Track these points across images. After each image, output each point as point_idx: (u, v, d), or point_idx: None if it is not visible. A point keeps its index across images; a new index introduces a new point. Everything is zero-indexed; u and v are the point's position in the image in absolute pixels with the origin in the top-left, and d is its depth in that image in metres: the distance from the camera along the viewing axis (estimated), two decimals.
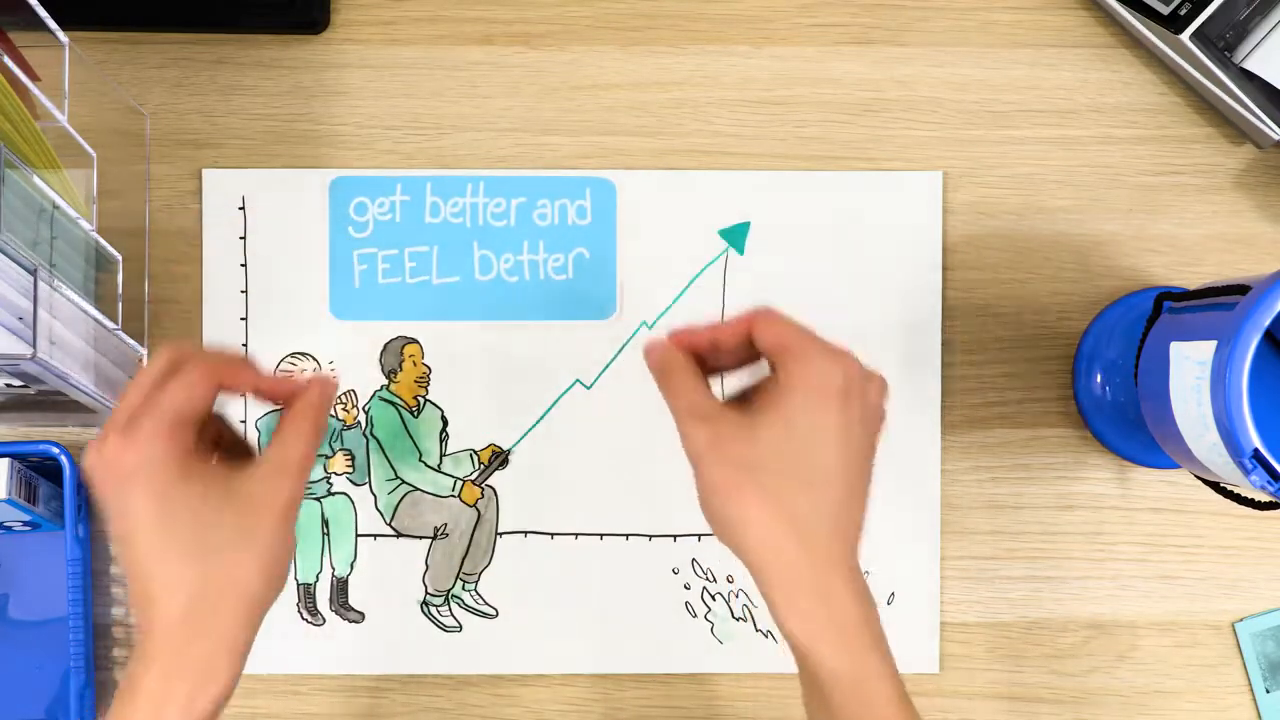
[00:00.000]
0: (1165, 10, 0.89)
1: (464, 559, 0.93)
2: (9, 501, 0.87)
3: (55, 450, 0.89)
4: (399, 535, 0.93)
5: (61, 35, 0.79)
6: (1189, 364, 0.77)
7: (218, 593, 0.69)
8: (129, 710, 0.68)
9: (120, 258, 0.88)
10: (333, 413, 0.93)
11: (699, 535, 0.93)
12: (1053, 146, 0.94)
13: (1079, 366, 0.93)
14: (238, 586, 0.69)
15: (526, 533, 0.93)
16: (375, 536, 0.93)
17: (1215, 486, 0.86)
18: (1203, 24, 0.88)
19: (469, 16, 0.94)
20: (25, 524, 0.91)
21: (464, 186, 0.94)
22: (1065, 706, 0.93)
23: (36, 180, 0.76)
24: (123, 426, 0.70)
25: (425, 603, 0.93)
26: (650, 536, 0.93)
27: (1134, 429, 0.90)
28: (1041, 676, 0.93)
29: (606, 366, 0.93)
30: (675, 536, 0.93)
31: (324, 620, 0.93)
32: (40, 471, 0.90)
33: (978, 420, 0.94)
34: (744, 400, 0.74)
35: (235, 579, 0.69)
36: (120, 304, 0.88)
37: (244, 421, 0.93)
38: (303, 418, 0.74)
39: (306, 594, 0.93)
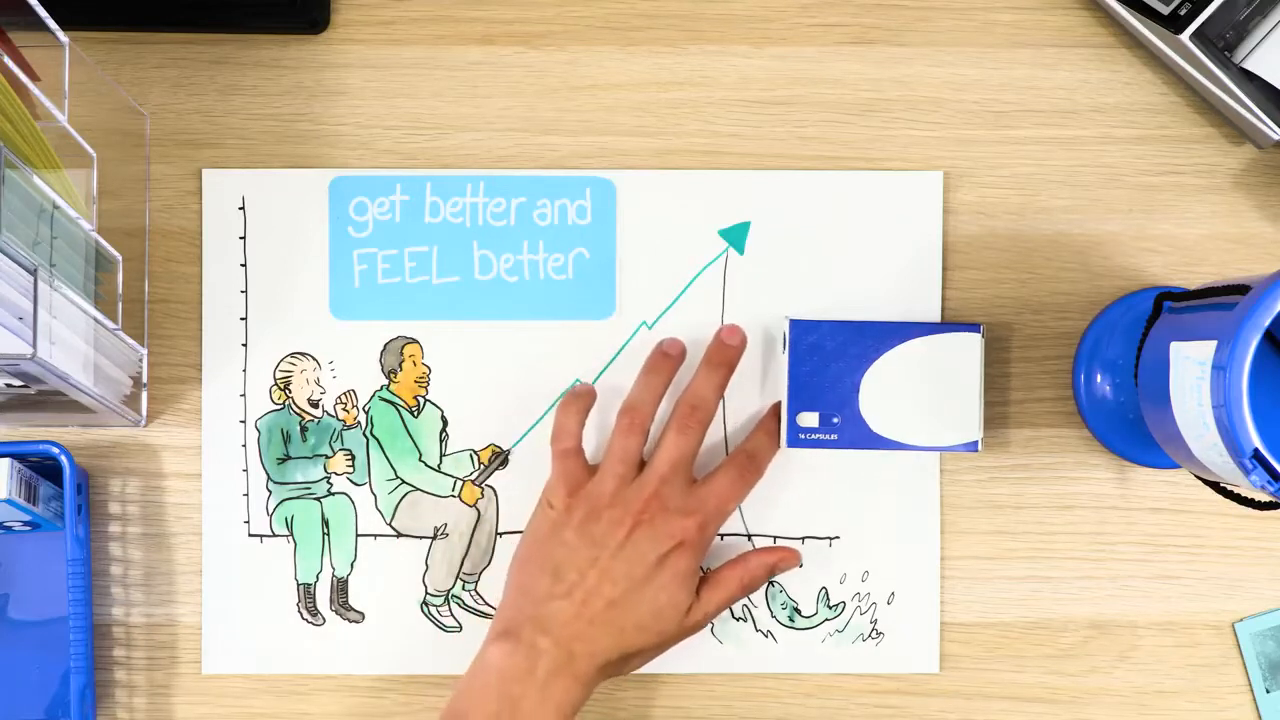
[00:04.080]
0: (1165, 10, 0.89)
1: (464, 559, 0.93)
2: (9, 501, 0.87)
3: (55, 450, 0.89)
4: (399, 535, 0.93)
5: (61, 35, 0.79)
6: (1189, 364, 0.77)
7: (637, 661, 0.88)
8: (537, 701, 0.83)
9: (120, 258, 0.88)
10: (332, 413, 0.93)
11: None
12: (1053, 146, 0.94)
13: (1079, 366, 0.93)
14: (644, 659, 0.89)
15: None
16: (375, 536, 0.93)
17: (1215, 486, 0.86)
18: (1203, 24, 0.88)
19: (469, 16, 0.94)
20: (25, 524, 0.91)
21: (464, 186, 0.94)
22: (1065, 706, 0.93)
23: (36, 180, 0.76)
24: (683, 496, 0.88)
25: (425, 603, 0.93)
26: None
27: (1134, 429, 0.90)
28: (1041, 676, 0.93)
29: (606, 366, 0.93)
30: None
31: (324, 620, 0.93)
32: (40, 471, 0.90)
33: None
34: None
35: (647, 658, 0.90)
36: (120, 304, 0.88)
37: (243, 421, 0.93)
38: (754, 569, 0.91)
39: (306, 594, 0.93)
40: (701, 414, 0.89)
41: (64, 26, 0.79)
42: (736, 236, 0.94)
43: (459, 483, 0.93)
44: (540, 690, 0.83)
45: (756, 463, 0.90)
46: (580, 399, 0.91)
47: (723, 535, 0.93)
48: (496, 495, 0.93)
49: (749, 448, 0.90)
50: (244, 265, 0.93)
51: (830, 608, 0.93)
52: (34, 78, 0.78)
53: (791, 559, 0.91)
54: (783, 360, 0.89)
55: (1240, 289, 0.77)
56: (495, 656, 0.84)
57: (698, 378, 0.90)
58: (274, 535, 0.93)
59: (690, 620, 0.87)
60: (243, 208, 0.93)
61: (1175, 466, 0.92)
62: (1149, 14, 0.90)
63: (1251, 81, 0.89)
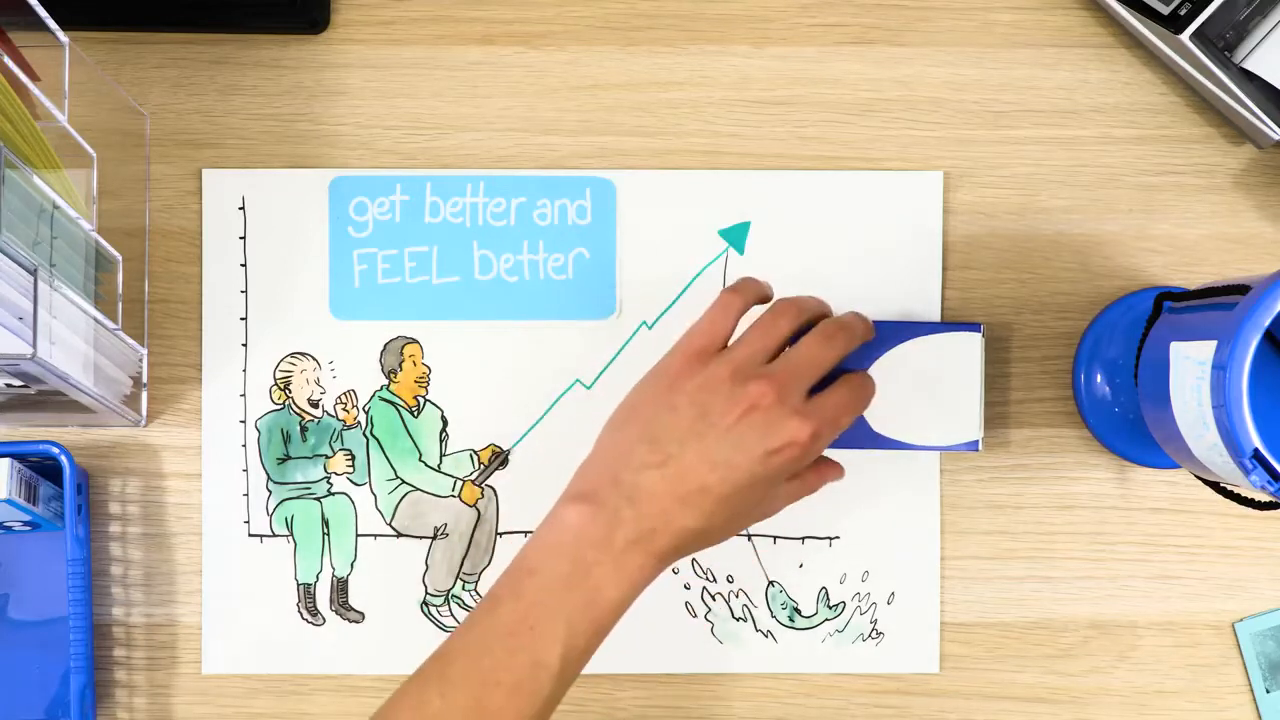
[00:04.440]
0: (1165, 10, 0.89)
1: (464, 559, 0.93)
2: (9, 501, 0.87)
3: (55, 450, 0.89)
4: (399, 535, 0.93)
5: (61, 35, 0.79)
6: (1189, 364, 0.77)
7: (714, 539, 0.82)
8: (609, 575, 0.78)
9: (120, 258, 0.88)
10: (332, 413, 0.93)
11: None
12: (1053, 146, 0.94)
13: (1079, 366, 0.93)
14: (713, 544, 0.83)
15: (526, 533, 0.93)
16: (375, 536, 0.93)
17: (1215, 486, 0.86)
18: (1203, 24, 0.88)
19: (469, 16, 0.94)
20: (25, 524, 0.91)
21: (464, 186, 0.94)
22: (1065, 706, 0.93)
23: (36, 180, 0.76)
24: (807, 404, 0.81)
25: (425, 603, 0.93)
26: None
27: (1134, 429, 0.90)
28: (1041, 676, 0.93)
29: (606, 366, 0.93)
30: None
31: (324, 620, 0.93)
32: (40, 471, 0.90)
33: None
34: None
35: (722, 538, 0.83)
36: (120, 304, 0.88)
37: (243, 421, 0.93)
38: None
39: (306, 594, 0.93)
40: (848, 334, 0.84)
41: (64, 26, 0.79)
42: (736, 236, 0.94)
43: (459, 483, 0.93)
44: (615, 560, 0.78)
45: (868, 384, 0.86)
46: (742, 296, 0.85)
47: None
48: (496, 495, 0.93)
49: (858, 379, 0.86)
50: (244, 265, 0.93)
51: (830, 608, 0.93)
52: (34, 78, 0.78)
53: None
54: None
55: (1240, 289, 0.77)
56: (573, 518, 0.79)
57: (846, 314, 0.86)
58: (274, 535, 0.93)
59: (774, 513, 0.84)
60: (243, 208, 0.93)
61: (1175, 466, 0.92)
62: (1149, 14, 0.90)
63: (1251, 81, 0.89)
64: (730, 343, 0.82)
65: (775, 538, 0.93)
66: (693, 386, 0.81)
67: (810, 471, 0.85)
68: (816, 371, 0.82)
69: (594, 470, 0.81)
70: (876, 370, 0.87)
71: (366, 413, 0.93)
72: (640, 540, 0.78)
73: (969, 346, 0.88)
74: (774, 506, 0.84)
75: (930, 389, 0.88)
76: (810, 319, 0.84)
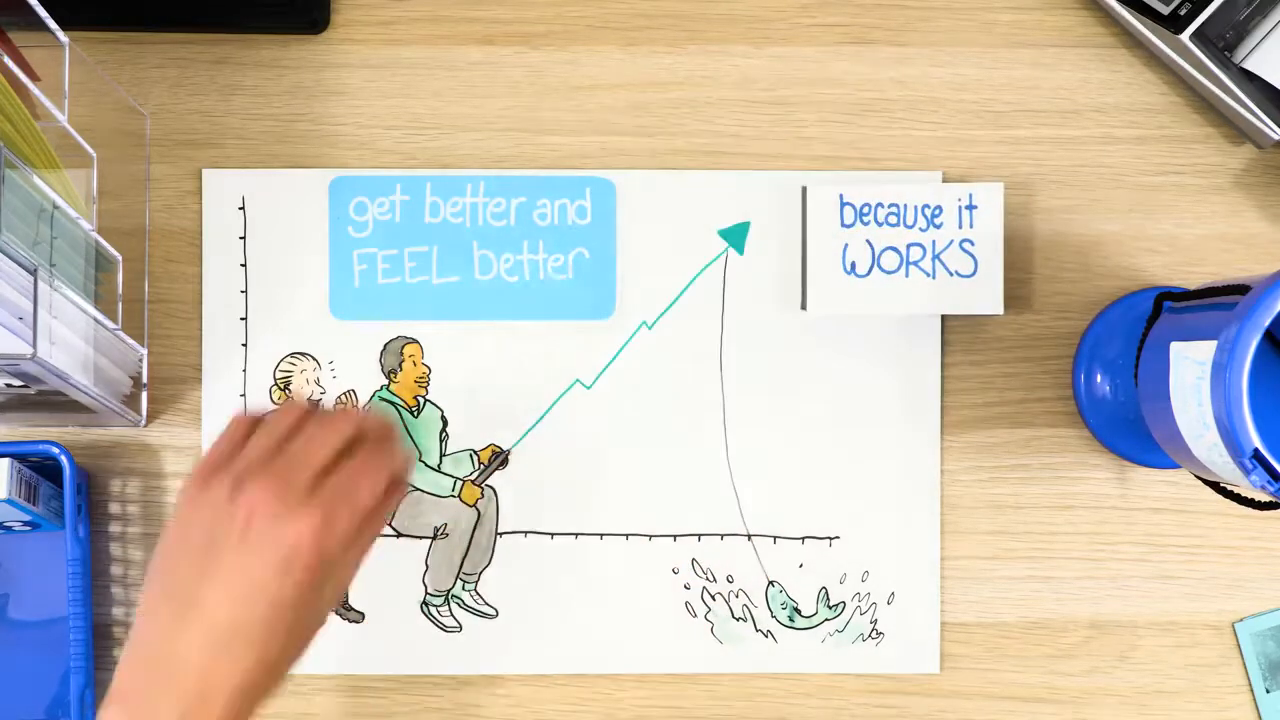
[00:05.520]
0: (1165, 10, 0.89)
1: (464, 559, 0.93)
2: (9, 501, 0.87)
3: (55, 450, 0.89)
4: (399, 535, 0.93)
5: (61, 35, 0.79)
6: (1189, 364, 0.77)
7: (278, 678, 0.73)
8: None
9: (120, 258, 0.88)
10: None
11: (699, 535, 0.93)
12: (1053, 146, 0.94)
13: (1079, 366, 0.93)
14: (284, 677, 0.74)
15: (526, 533, 0.93)
16: None
17: (1215, 486, 0.86)
18: (1203, 24, 0.88)
19: (469, 16, 0.94)
20: (25, 524, 0.91)
21: (464, 186, 0.94)
22: (1065, 706, 0.93)
23: (36, 180, 0.76)
24: (311, 490, 0.72)
25: (425, 603, 0.93)
26: (650, 536, 0.93)
27: (1134, 429, 0.90)
28: (1041, 676, 0.93)
29: (606, 366, 0.93)
30: (675, 536, 0.93)
31: None
32: (40, 471, 0.90)
33: (978, 420, 0.94)
34: None
35: (290, 667, 0.74)
36: (120, 304, 0.88)
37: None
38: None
39: None
40: (346, 415, 0.77)
41: (64, 26, 0.79)
42: (736, 236, 0.94)
43: (459, 483, 0.93)
44: None
45: (386, 443, 0.78)
46: (251, 414, 0.78)
47: (722, 535, 0.93)
48: (496, 495, 0.93)
49: (377, 440, 0.78)
50: (244, 265, 0.93)
51: (830, 608, 0.93)
52: (34, 78, 0.78)
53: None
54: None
55: (1240, 289, 0.77)
56: None
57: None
58: None
59: (346, 587, 0.76)
60: (243, 208, 0.93)
61: (1175, 466, 0.92)
62: (1149, 14, 0.90)
63: (1251, 81, 0.89)
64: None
65: (775, 538, 0.93)
66: (199, 517, 0.72)
67: (365, 525, 0.75)
68: (320, 451, 0.74)
69: (129, 658, 0.72)
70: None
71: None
72: (189, 717, 0.69)
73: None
74: (342, 585, 0.76)
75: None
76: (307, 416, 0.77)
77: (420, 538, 0.93)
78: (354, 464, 0.75)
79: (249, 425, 0.76)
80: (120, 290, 0.88)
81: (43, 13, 0.78)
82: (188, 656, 0.70)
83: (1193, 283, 0.94)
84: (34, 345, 0.76)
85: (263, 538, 0.71)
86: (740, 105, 0.94)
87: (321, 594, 0.73)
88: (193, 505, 0.73)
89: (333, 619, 0.92)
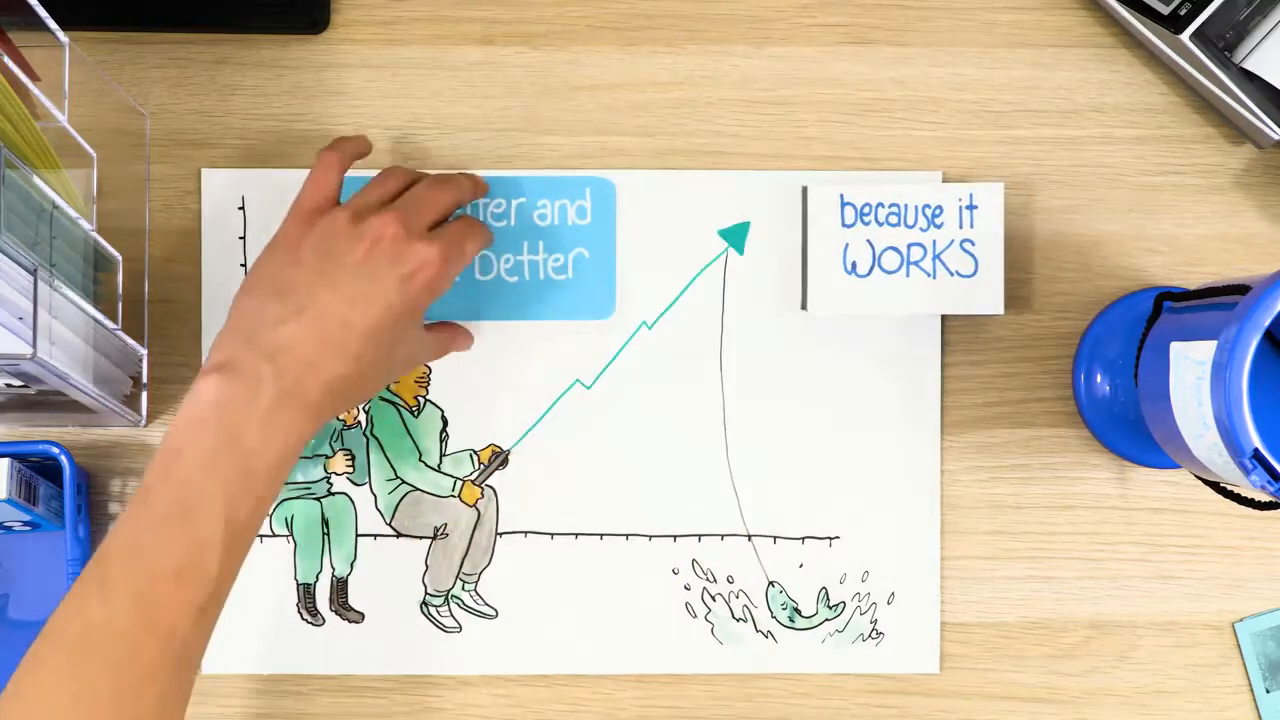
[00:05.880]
0: (1165, 10, 0.89)
1: (464, 559, 0.93)
2: (9, 501, 0.87)
3: (55, 450, 0.89)
4: (399, 535, 0.93)
5: (61, 35, 0.79)
6: (1189, 364, 0.77)
7: (369, 386, 0.82)
8: (262, 431, 0.75)
9: (120, 258, 0.88)
10: None
11: (699, 535, 0.93)
12: (1053, 146, 0.94)
13: (1079, 366, 0.93)
14: (374, 391, 0.85)
15: (526, 533, 0.93)
16: (375, 536, 0.93)
17: (1215, 486, 0.86)
18: (1203, 24, 0.88)
19: (469, 16, 0.94)
20: (25, 524, 0.91)
21: None
22: (1065, 706, 0.93)
23: (36, 180, 0.76)
24: (432, 231, 0.83)
25: (425, 603, 0.93)
26: (650, 536, 0.93)
27: (1134, 429, 0.90)
28: (1041, 676, 0.93)
29: (606, 366, 0.93)
30: (675, 536, 0.93)
31: (324, 620, 0.93)
32: (40, 471, 0.90)
33: (978, 420, 0.94)
34: None
35: (379, 385, 0.84)
36: (120, 304, 0.88)
37: None
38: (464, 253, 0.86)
39: (306, 594, 0.93)
40: (457, 182, 0.88)
41: (64, 26, 0.79)
42: (736, 236, 0.94)
43: (459, 483, 0.93)
44: (262, 422, 0.75)
45: (479, 223, 0.89)
46: (341, 152, 0.86)
47: (722, 535, 0.93)
48: (496, 495, 0.93)
49: (469, 217, 0.90)
50: (244, 265, 0.93)
51: (830, 608, 0.93)
52: (34, 78, 0.78)
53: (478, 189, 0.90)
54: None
55: (1240, 289, 0.77)
56: (211, 390, 0.75)
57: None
58: (274, 535, 0.93)
59: (422, 360, 0.87)
60: (243, 208, 0.93)
61: (1175, 466, 0.92)
62: (1149, 14, 0.90)
63: (1251, 81, 0.89)
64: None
65: (775, 538, 0.93)
66: (314, 237, 0.81)
67: (445, 330, 0.89)
68: (433, 209, 0.84)
69: (227, 338, 0.79)
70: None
71: (367, 413, 0.93)
72: (286, 397, 0.76)
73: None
74: (420, 352, 0.86)
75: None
76: (416, 179, 0.87)
77: (420, 538, 0.93)
78: (458, 223, 0.85)
79: (341, 163, 0.85)
80: (120, 290, 0.88)
81: (43, 13, 0.78)
82: (294, 344, 0.77)
83: (1193, 283, 0.94)
84: (34, 345, 0.76)
85: (388, 257, 0.80)
86: (740, 105, 0.94)
87: (419, 336, 0.84)
88: (306, 226, 0.82)
89: (333, 619, 0.93)
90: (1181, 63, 0.91)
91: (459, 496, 0.93)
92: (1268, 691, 0.93)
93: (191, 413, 0.76)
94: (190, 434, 0.75)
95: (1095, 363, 0.93)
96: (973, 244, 0.90)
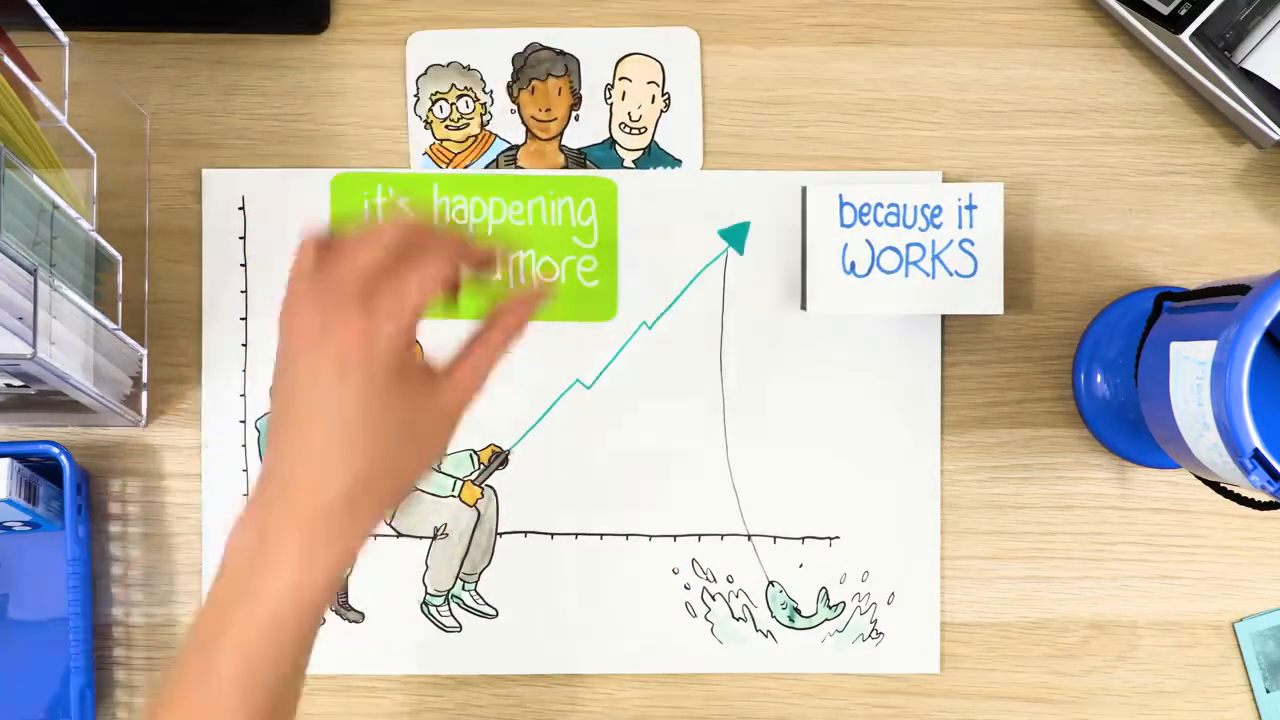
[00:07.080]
0: (1165, 10, 0.89)
1: (464, 559, 0.93)
2: (9, 501, 0.87)
3: (55, 450, 0.89)
4: (399, 535, 0.93)
5: (61, 35, 0.79)
6: (1189, 364, 0.77)
7: (382, 483, 0.71)
8: (264, 568, 0.69)
9: (120, 258, 0.88)
10: None
11: (699, 535, 0.93)
12: (1053, 146, 0.94)
13: (1079, 366, 0.93)
14: (403, 482, 0.73)
15: (526, 533, 0.93)
16: (375, 536, 0.93)
17: (1215, 486, 0.86)
18: (1203, 24, 0.88)
19: (469, 17, 0.94)
20: (25, 524, 0.91)
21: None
22: (1065, 706, 0.93)
23: (36, 180, 0.76)
24: (359, 295, 0.70)
25: (425, 603, 0.93)
26: (650, 536, 0.93)
27: (1134, 429, 0.90)
28: (1041, 676, 0.93)
29: (606, 366, 0.93)
30: (675, 536, 0.93)
31: (324, 620, 0.93)
32: (40, 471, 0.90)
33: (978, 420, 0.94)
34: None
35: (404, 474, 0.73)
36: (120, 304, 0.88)
37: (243, 421, 0.93)
38: (502, 332, 0.75)
39: None
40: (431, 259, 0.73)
41: (64, 26, 0.79)
42: (736, 236, 0.94)
43: (459, 483, 0.93)
44: (267, 556, 0.70)
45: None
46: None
47: (722, 535, 0.93)
48: (496, 495, 0.93)
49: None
50: (244, 265, 0.93)
51: (830, 608, 0.93)
52: (34, 78, 0.78)
53: (526, 310, 0.76)
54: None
55: (1240, 289, 0.77)
56: (227, 538, 0.72)
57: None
58: None
59: (452, 419, 0.74)
60: (243, 208, 0.93)
61: (1175, 466, 0.92)
62: (1149, 14, 0.90)
63: (1251, 81, 0.89)
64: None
65: (775, 538, 0.93)
66: (281, 346, 0.73)
67: (457, 369, 0.74)
68: (364, 255, 0.72)
69: (256, 480, 0.74)
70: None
71: None
72: (288, 524, 0.70)
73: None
74: (440, 413, 0.73)
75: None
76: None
77: (420, 538, 0.93)
78: (404, 264, 0.71)
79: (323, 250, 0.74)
80: (120, 290, 0.88)
81: (43, 13, 0.78)
82: (293, 473, 0.71)
83: (1193, 283, 0.94)
84: (34, 345, 0.76)
85: (316, 353, 0.71)
86: (740, 105, 0.94)
87: (405, 394, 0.71)
88: (283, 332, 0.73)
89: (332, 619, 0.93)
90: (1181, 63, 0.91)
91: (459, 496, 0.93)
92: (1268, 691, 0.93)
93: (219, 566, 0.72)
94: (215, 584, 0.72)
95: (1095, 363, 0.93)
96: (972, 244, 0.90)
